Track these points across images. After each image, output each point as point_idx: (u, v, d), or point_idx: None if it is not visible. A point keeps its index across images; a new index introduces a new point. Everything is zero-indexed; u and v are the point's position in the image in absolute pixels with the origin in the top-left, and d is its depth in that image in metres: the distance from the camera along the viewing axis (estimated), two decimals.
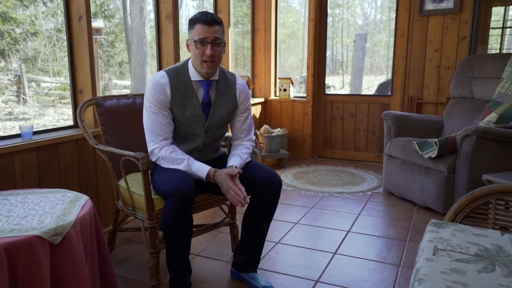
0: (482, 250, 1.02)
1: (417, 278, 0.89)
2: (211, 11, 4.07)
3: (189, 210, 1.75)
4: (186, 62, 1.93)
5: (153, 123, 1.88)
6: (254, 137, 2.16)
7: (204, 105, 1.91)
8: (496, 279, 0.88)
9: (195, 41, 1.80)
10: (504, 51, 4.08)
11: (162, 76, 1.87)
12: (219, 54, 1.84)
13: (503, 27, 4.04)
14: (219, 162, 2.04)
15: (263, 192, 1.87)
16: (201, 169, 1.85)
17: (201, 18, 1.78)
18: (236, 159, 1.94)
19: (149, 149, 1.91)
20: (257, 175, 1.89)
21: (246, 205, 1.84)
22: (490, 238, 1.09)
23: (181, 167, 1.84)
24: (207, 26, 1.77)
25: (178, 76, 1.88)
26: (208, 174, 1.83)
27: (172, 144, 1.94)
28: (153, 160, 1.92)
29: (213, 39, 1.78)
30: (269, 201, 1.90)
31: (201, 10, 1.92)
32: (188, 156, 1.89)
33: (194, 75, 1.89)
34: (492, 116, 2.98)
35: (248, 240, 1.99)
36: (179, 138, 1.98)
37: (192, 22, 1.81)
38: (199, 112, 1.90)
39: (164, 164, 1.88)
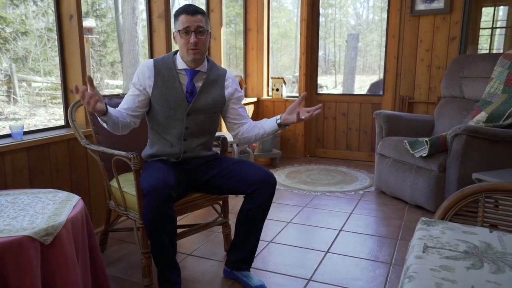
0: (470, 247, 1.04)
1: (407, 275, 0.90)
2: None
3: (168, 208, 1.74)
4: (174, 52, 2.00)
5: (127, 97, 1.95)
6: None
7: (187, 93, 1.94)
8: (484, 276, 0.90)
9: (179, 31, 1.87)
10: (494, 51, 4.13)
11: (148, 61, 1.97)
12: (203, 42, 1.90)
13: (493, 27, 4.08)
14: (212, 162, 2.05)
15: (259, 191, 1.89)
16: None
17: (184, 9, 1.86)
18: (267, 120, 2.03)
19: None
20: (253, 175, 1.91)
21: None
22: (479, 236, 1.11)
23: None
24: (190, 16, 1.85)
25: (163, 62, 1.96)
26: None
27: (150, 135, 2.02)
28: None
29: (196, 27, 1.85)
30: (264, 199, 1.92)
31: None
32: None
33: (180, 64, 1.95)
34: (482, 116, 3.01)
35: (243, 238, 2.00)
36: (162, 126, 1.98)
37: (177, 14, 1.89)
38: (181, 95, 1.92)
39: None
